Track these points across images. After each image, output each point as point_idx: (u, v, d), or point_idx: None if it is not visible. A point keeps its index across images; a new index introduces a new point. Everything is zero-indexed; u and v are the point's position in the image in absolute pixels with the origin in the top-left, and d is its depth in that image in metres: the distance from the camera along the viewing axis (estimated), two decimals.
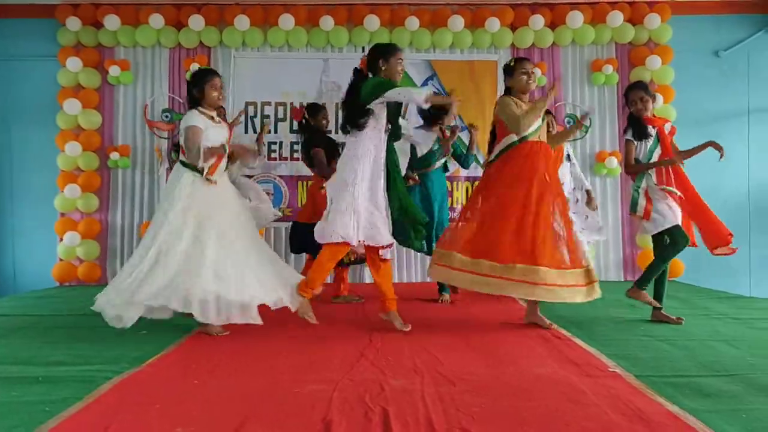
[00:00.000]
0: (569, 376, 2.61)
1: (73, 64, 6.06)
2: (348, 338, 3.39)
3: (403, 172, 4.79)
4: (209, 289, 3.26)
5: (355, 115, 3.51)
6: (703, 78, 6.36)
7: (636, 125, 3.81)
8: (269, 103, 6.26)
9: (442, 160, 4.78)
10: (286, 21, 6.08)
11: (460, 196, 6.26)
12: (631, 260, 6.26)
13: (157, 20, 6.07)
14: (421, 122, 4.83)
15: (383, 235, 3.54)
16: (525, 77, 3.61)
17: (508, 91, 3.69)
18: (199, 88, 3.53)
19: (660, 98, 5.98)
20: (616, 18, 6.13)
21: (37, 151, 6.24)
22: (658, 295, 3.86)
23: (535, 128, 3.58)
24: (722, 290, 5.33)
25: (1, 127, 6.32)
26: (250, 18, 6.11)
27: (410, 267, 6.24)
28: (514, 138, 3.58)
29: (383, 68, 3.51)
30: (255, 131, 6.21)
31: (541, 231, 3.43)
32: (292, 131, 6.21)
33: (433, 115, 4.65)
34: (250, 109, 6.27)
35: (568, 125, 6.17)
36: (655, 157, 3.77)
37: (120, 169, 6.22)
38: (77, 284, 6.07)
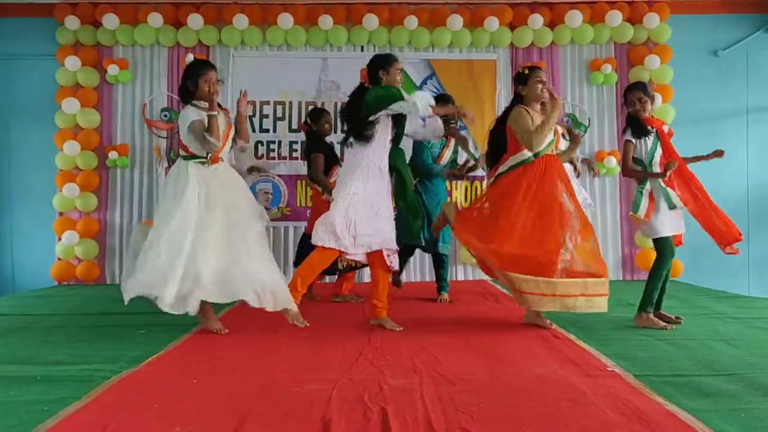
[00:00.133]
0: (568, 376, 2.61)
1: (72, 63, 6.05)
2: (347, 338, 3.39)
3: None
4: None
5: (360, 127, 3.53)
6: (702, 77, 6.36)
7: (634, 124, 3.81)
8: (268, 102, 6.25)
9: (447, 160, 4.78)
10: (285, 20, 6.08)
11: (459, 196, 6.26)
12: (630, 260, 6.26)
13: (155, 19, 6.06)
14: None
15: (387, 240, 3.54)
16: (540, 86, 3.60)
17: (519, 98, 3.66)
18: (193, 82, 3.47)
19: (659, 98, 5.99)
20: (615, 17, 6.13)
21: (35, 150, 6.23)
22: (660, 296, 3.85)
23: (549, 142, 3.60)
24: (721, 290, 5.33)
25: (0, 126, 6.31)
26: (249, 17, 6.10)
27: (409, 266, 6.22)
28: (529, 154, 3.58)
29: (384, 78, 3.57)
30: (254, 130, 6.22)
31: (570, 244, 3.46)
32: (291, 130, 6.22)
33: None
34: (249, 108, 6.25)
35: (567, 124, 6.19)
36: (656, 157, 3.75)
37: (119, 168, 6.21)
38: (76, 283, 6.07)
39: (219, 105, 3.57)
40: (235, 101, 6.12)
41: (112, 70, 6.12)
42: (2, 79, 6.29)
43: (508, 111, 3.69)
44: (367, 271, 5.82)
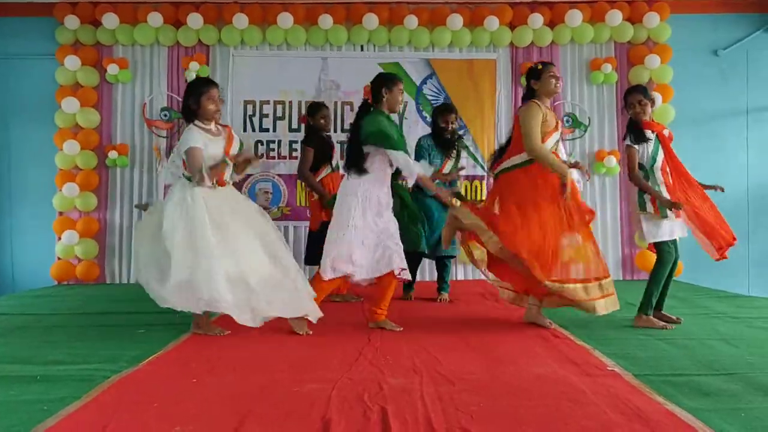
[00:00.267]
0: (568, 376, 2.61)
1: (72, 62, 6.05)
2: (347, 337, 3.39)
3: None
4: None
5: (356, 157, 3.56)
6: (702, 77, 6.36)
7: (634, 130, 3.80)
8: (268, 102, 6.25)
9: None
10: (285, 19, 6.07)
11: None
12: (630, 260, 6.26)
13: (155, 18, 6.06)
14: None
15: (395, 260, 3.54)
16: (554, 81, 3.61)
17: (532, 92, 3.67)
18: (195, 100, 3.42)
19: (659, 97, 5.98)
20: (615, 17, 6.13)
21: (35, 150, 6.22)
22: (661, 296, 3.85)
23: (553, 145, 3.63)
24: (721, 289, 5.34)
25: (0, 126, 6.31)
26: (249, 16, 6.10)
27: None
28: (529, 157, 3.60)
29: (386, 97, 3.60)
30: (254, 130, 6.22)
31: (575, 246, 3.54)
32: (291, 130, 6.22)
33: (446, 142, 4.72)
34: (249, 107, 6.26)
35: (567, 124, 6.20)
36: (658, 162, 3.75)
37: (118, 167, 6.21)
38: (75, 283, 6.07)
39: (219, 125, 3.58)
40: (234, 102, 6.19)
41: (112, 69, 6.12)
42: (2, 78, 6.28)
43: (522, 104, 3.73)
44: None
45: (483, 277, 4.23)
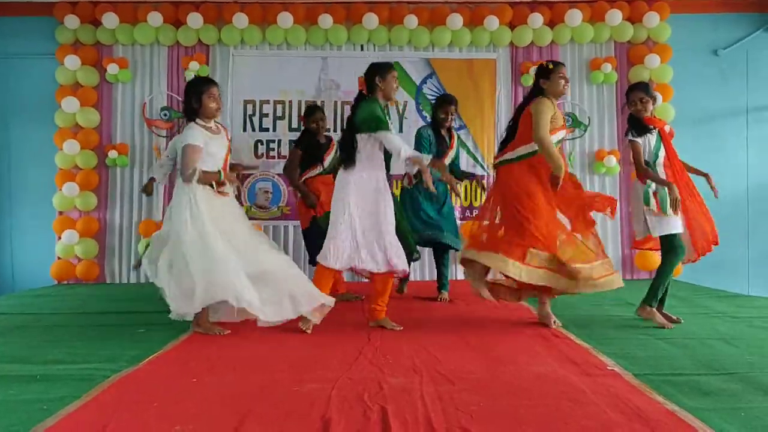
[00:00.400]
0: (568, 375, 2.61)
1: (72, 62, 6.05)
2: (347, 337, 3.39)
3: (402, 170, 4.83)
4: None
5: (349, 148, 3.58)
6: (702, 76, 6.36)
7: (634, 123, 3.82)
8: (268, 102, 6.25)
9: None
10: (285, 19, 6.07)
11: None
12: (630, 259, 6.26)
13: (155, 18, 6.06)
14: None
15: (393, 259, 3.53)
16: (563, 81, 3.63)
17: (540, 91, 3.67)
18: (197, 98, 3.46)
19: (659, 97, 5.97)
20: (615, 16, 6.13)
21: (35, 150, 6.22)
22: (663, 295, 3.85)
23: (558, 140, 3.66)
24: (721, 289, 5.33)
25: (0, 126, 6.31)
26: (249, 16, 6.10)
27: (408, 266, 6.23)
28: (537, 148, 3.60)
29: (380, 86, 3.60)
30: (254, 129, 6.22)
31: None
32: (290, 129, 6.21)
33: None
34: (249, 107, 6.26)
35: (567, 123, 6.19)
36: (660, 157, 3.76)
37: (118, 167, 6.20)
38: (75, 283, 6.06)
39: (218, 123, 3.62)
40: (234, 101, 6.19)
41: (112, 69, 6.12)
42: (2, 78, 6.28)
43: (527, 100, 3.72)
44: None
45: None
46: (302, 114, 4.96)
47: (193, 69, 6.11)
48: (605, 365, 2.78)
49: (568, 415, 2.12)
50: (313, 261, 4.75)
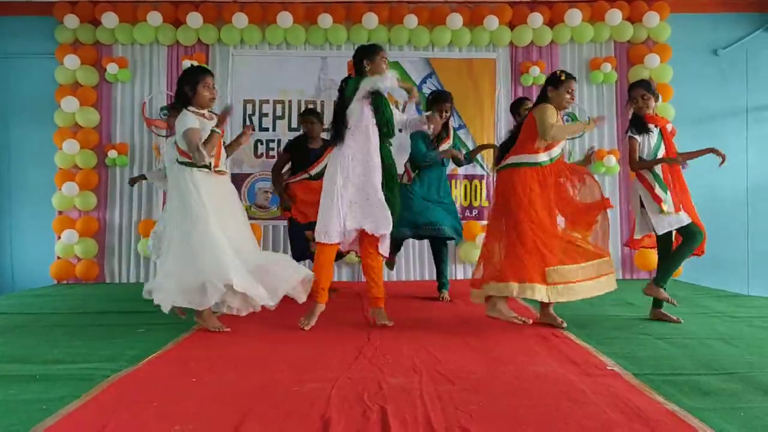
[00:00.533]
0: (568, 375, 2.61)
1: (71, 61, 6.05)
2: (346, 337, 3.39)
3: (402, 168, 4.82)
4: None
5: (339, 126, 3.59)
6: (702, 76, 6.36)
7: (635, 121, 3.84)
8: (267, 101, 6.25)
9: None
10: (285, 19, 6.07)
11: (458, 194, 6.25)
12: (630, 259, 6.26)
13: (155, 18, 6.06)
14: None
15: (377, 224, 3.54)
16: (568, 96, 3.62)
17: (546, 98, 3.67)
18: (191, 87, 3.47)
19: (659, 98, 5.98)
20: (615, 16, 6.13)
21: (34, 149, 6.22)
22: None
23: (558, 152, 3.67)
24: (721, 289, 5.33)
25: None
26: (249, 16, 6.10)
27: (408, 265, 6.23)
28: (544, 158, 3.61)
29: (368, 68, 3.59)
30: (253, 129, 6.21)
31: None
32: (290, 129, 6.21)
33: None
34: (249, 107, 6.26)
35: (565, 122, 6.19)
36: (659, 156, 3.77)
37: (118, 167, 6.20)
38: (75, 282, 6.07)
39: (211, 112, 3.63)
40: (234, 101, 6.19)
41: (112, 68, 6.12)
42: (1, 77, 6.28)
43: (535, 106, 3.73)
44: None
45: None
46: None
47: None
48: (605, 365, 2.77)
49: (568, 415, 2.12)
50: (295, 256, 4.84)
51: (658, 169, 3.77)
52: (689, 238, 3.72)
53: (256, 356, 2.98)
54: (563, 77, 3.62)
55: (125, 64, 6.19)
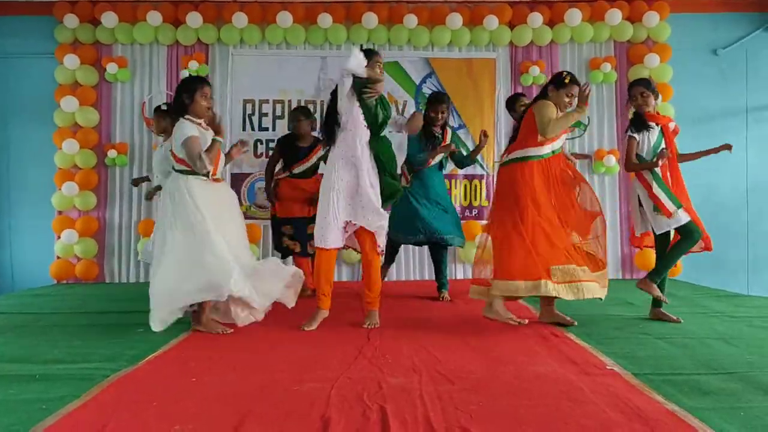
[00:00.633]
0: (568, 375, 2.61)
1: (71, 61, 6.05)
2: (346, 336, 3.39)
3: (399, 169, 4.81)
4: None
5: (331, 127, 3.62)
6: (702, 76, 6.36)
7: (635, 119, 3.84)
8: (267, 101, 6.24)
9: (438, 159, 4.70)
10: (284, 18, 6.07)
11: (458, 194, 6.26)
12: (630, 259, 6.26)
13: (154, 17, 6.05)
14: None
15: (370, 219, 3.55)
16: (567, 100, 3.63)
17: (545, 95, 3.68)
18: (189, 95, 3.49)
19: (659, 97, 5.98)
20: (615, 16, 6.13)
21: (34, 149, 6.22)
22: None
23: (559, 146, 3.68)
24: (720, 288, 5.33)
25: None
26: (248, 15, 6.10)
27: (408, 265, 6.23)
28: (545, 150, 3.62)
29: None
30: (253, 129, 6.22)
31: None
32: (289, 129, 6.20)
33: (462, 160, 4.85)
34: (248, 106, 6.26)
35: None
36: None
37: (117, 166, 6.20)
38: (75, 282, 6.06)
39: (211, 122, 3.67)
40: (234, 101, 6.19)
41: (111, 68, 6.12)
42: (1, 77, 6.28)
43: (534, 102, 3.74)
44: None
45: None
46: None
47: (193, 68, 6.11)
48: (605, 365, 2.77)
49: (568, 415, 2.12)
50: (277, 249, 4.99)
51: (657, 168, 3.76)
52: (686, 236, 3.72)
53: (256, 356, 2.98)
54: (567, 80, 3.63)
55: (125, 63, 6.19)
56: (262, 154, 6.21)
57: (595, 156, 6.28)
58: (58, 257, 6.08)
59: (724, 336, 3.37)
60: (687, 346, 3.14)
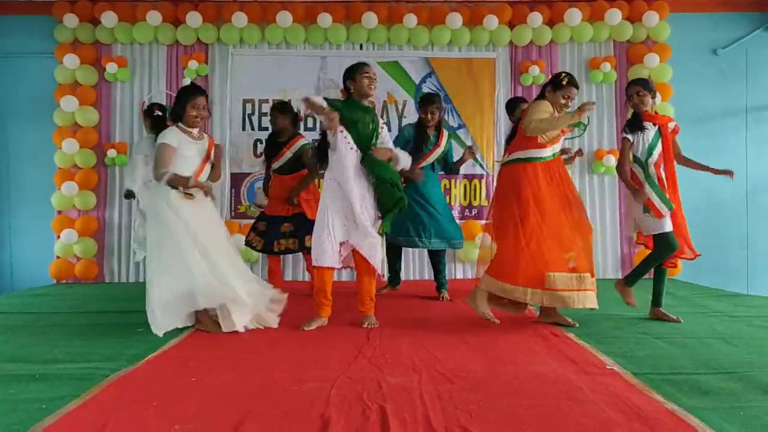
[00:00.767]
0: (567, 374, 2.61)
1: (71, 61, 6.04)
2: (346, 336, 3.39)
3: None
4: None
5: (319, 148, 3.70)
6: (701, 76, 6.36)
7: (632, 119, 3.84)
8: (267, 101, 6.23)
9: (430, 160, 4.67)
10: (284, 18, 6.07)
11: (458, 194, 6.26)
12: (629, 259, 6.26)
13: (154, 17, 6.05)
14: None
15: (362, 243, 3.55)
16: (563, 101, 3.64)
17: (543, 95, 3.69)
18: (181, 105, 3.56)
19: (658, 96, 5.97)
20: (615, 16, 6.13)
21: (34, 149, 6.22)
22: (657, 294, 3.87)
23: (558, 149, 3.70)
24: (720, 288, 5.33)
25: None
26: (248, 15, 6.10)
27: (409, 265, 6.23)
28: (546, 153, 3.64)
29: (352, 88, 3.62)
30: (253, 129, 6.22)
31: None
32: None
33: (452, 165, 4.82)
34: (248, 106, 6.26)
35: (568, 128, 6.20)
36: (655, 154, 3.76)
37: (117, 166, 6.20)
38: (74, 282, 6.06)
39: (205, 133, 3.73)
40: (233, 100, 6.19)
41: (111, 68, 6.11)
42: (1, 77, 6.28)
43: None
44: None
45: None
46: (296, 110, 4.97)
47: (192, 68, 6.12)
48: (604, 364, 2.78)
49: (568, 414, 2.12)
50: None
51: (651, 169, 3.76)
52: (662, 247, 3.74)
53: (256, 356, 2.98)
54: (565, 82, 3.63)
55: (124, 63, 6.19)
56: (261, 153, 6.19)
57: (594, 156, 6.27)
58: (58, 257, 6.08)
59: (724, 336, 3.37)
60: (686, 345, 3.15)
